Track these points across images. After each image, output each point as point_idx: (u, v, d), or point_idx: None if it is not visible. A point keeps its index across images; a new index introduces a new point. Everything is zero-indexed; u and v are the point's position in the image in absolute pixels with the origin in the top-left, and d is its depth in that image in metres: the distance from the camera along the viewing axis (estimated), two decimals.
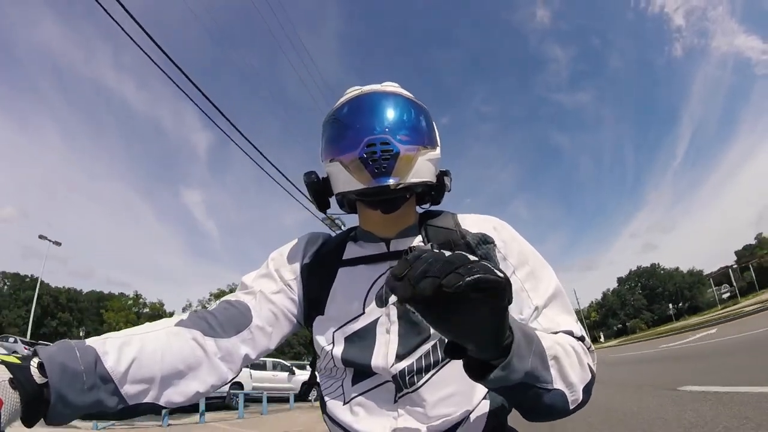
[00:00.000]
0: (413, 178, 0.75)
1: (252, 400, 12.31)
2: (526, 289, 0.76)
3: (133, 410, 0.62)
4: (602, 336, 59.91)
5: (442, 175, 0.84)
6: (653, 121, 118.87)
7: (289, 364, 16.27)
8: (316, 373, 0.87)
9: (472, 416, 0.73)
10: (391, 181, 0.72)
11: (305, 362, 18.15)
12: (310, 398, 13.07)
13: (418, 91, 0.85)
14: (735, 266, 48.76)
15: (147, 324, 0.71)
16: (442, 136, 0.85)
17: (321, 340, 0.80)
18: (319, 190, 0.84)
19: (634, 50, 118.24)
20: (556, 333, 0.70)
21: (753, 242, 53.73)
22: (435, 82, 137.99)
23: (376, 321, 0.77)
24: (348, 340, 0.77)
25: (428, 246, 0.79)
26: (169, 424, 8.27)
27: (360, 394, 0.76)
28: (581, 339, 0.71)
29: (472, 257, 0.44)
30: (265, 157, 7.11)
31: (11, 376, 0.48)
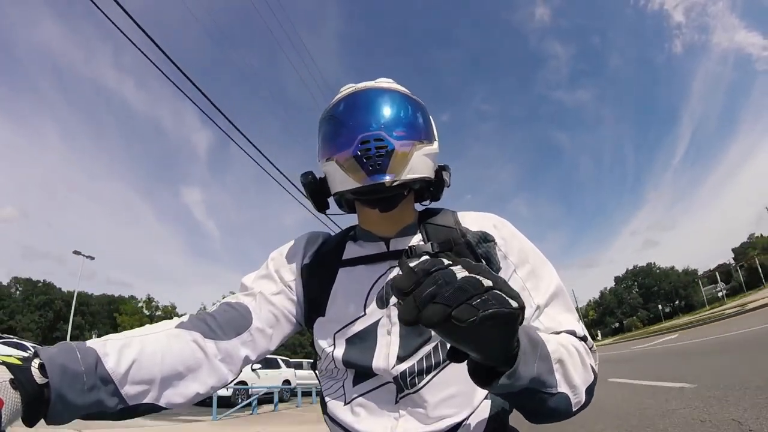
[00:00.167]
0: (409, 174, 0.72)
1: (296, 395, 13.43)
2: (527, 288, 0.74)
3: (133, 411, 0.61)
4: (599, 334, 59.93)
5: (440, 170, 0.82)
6: (653, 119, 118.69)
7: None
8: (317, 373, 0.85)
9: (473, 417, 0.71)
10: (387, 178, 0.70)
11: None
12: None
13: (418, 91, 0.83)
14: (732, 264, 48.70)
15: (147, 326, 0.70)
16: (442, 135, 0.83)
17: (322, 342, 0.78)
18: (317, 191, 0.82)
19: (634, 48, 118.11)
20: (558, 333, 0.69)
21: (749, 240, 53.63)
22: (435, 81, 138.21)
23: (377, 322, 0.75)
24: (349, 341, 0.75)
25: (428, 246, 0.77)
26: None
27: (361, 395, 0.74)
28: (583, 339, 0.69)
29: (485, 281, 0.40)
30: (265, 157, 7.08)
31: (12, 376, 0.48)
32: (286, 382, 14.11)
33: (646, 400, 4.71)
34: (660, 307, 56.49)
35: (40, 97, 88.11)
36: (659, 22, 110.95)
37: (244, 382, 11.53)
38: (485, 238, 0.77)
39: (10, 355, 0.52)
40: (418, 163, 0.74)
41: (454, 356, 0.47)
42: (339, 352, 0.75)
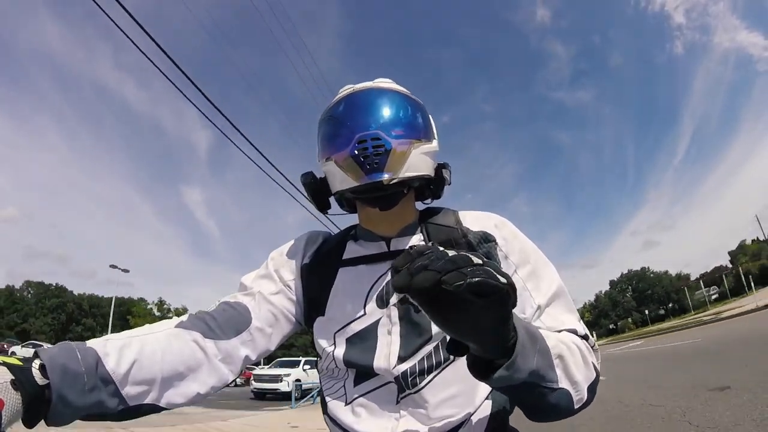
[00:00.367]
0: (408, 172, 0.71)
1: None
2: (528, 288, 0.72)
3: (133, 411, 0.60)
4: (594, 335, 59.91)
5: (440, 168, 0.80)
6: (654, 119, 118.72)
7: None
8: (318, 373, 0.83)
9: (474, 417, 0.69)
10: (385, 177, 0.68)
11: None
12: None
13: (419, 91, 0.82)
14: (729, 266, 48.63)
15: (147, 326, 0.69)
16: (443, 135, 0.81)
17: (322, 341, 0.76)
18: (318, 191, 0.80)
19: (635, 48, 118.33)
20: (559, 332, 0.67)
21: (748, 243, 53.48)
22: (436, 80, 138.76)
23: (377, 322, 0.73)
24: (349, 341, 0.73)
25: (429, 245, 0.74)
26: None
27: (362, 395, 0.72)
28: (585, 337, 0.68)
29: (476, 259, 0.40)
30: (265, 157, 7.06)
31: (13, 377, 0.47)
32: None
33: None
34: (647, 312, 56.90)
35: (40, 96, 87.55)
36: (660, 23, 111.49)
37: (299, 380, 13.82)
38: (486, 238, 0.76)
39: (10, 356, 0.51)
40: (417, 161, 0.72)
41: (455, 349, 0.47)
42: (339, 351, 0.73)
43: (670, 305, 57.53)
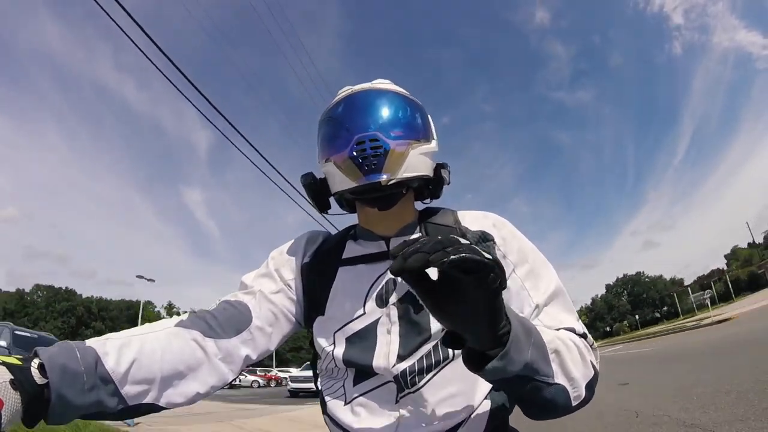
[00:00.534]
0: (406, 172, 0.70)
1: None
2: (526, 288, 0.70)
3: (133, 411, 0.59)
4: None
5: (439, 168, 0.79)
6: (654, 119, 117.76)
7: None
8: (317, 373, 0.81)
9: (474, 416, 0.68)
10: (383, 177, 0.68)
11: None
12: None
13: (419, 91, 0.81)
14: (726, 269, 48.44)
15: (147, 325, 0.68)
16: (443, 136, 0.81)
17: (321, 341, 0.74)
18: (318, 191, 0.80)
19: (635, 48, 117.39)
20: (557, 330, 0.65)
21: (744, 246, 53.23)
22: (436, 80, 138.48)
23: (376, 321, 0.71)
24: (349, 340, 0.72)
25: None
26: None
27: (361, 395, 0.70)
28: (584, 336, 0.66)
29: (464, 240, 0.43)
30: (265, 158, 7.06)
31: (12, 377, 0.46)
32: None
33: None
34: (636, 317, 56.99)
35: (41, 96, 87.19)
36: (659, 23, 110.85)
37: None
38: (484, 238, 0.75)
39: (10, 356, 0.50)
40: (415, 162, 0.72)
41: (451, 342, 0.48)
42: (339, 351, 0.72)
43: (665, 309, 57.41)
